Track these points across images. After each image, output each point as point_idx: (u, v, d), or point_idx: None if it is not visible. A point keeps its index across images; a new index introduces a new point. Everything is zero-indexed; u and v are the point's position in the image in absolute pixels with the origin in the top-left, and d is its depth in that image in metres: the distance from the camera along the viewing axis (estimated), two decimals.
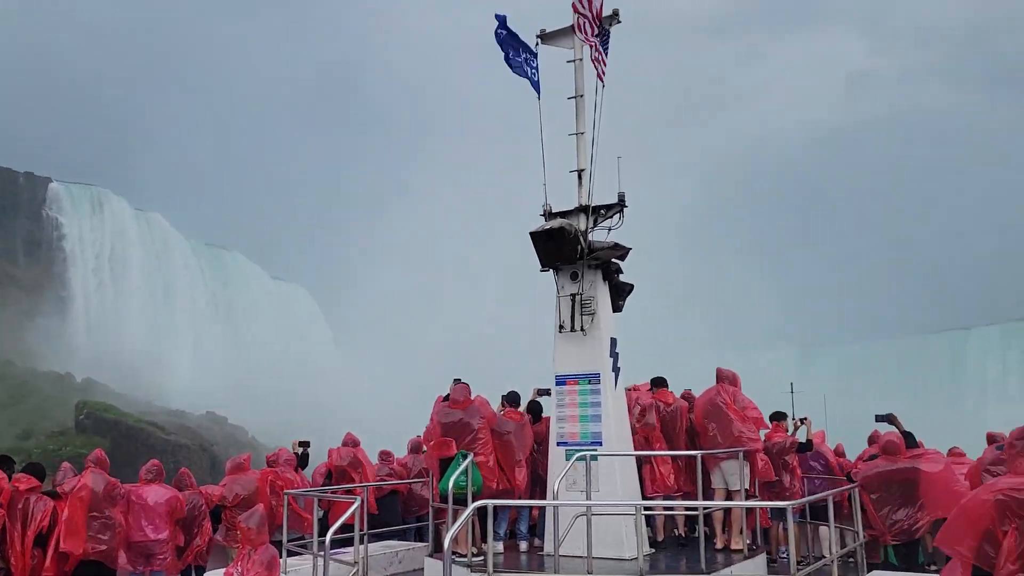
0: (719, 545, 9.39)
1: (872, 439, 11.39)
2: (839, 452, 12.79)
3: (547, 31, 10.00)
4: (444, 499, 8.90)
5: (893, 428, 10.83)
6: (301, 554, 9.84)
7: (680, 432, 10.22)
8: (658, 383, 10.60)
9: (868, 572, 9.26)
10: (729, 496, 9.57)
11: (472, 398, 9.92)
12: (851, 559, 10.29)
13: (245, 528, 7.14)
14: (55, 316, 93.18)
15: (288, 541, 9.64)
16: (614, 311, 9.83)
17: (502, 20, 9.61)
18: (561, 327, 9.59)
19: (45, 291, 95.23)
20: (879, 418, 11.20)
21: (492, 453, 9.73)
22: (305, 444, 12.89)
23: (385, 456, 13.55)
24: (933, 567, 11.38)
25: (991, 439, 10.36)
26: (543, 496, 9.67)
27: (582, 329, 9.45)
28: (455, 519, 7.98)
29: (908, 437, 10.60)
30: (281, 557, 8.64)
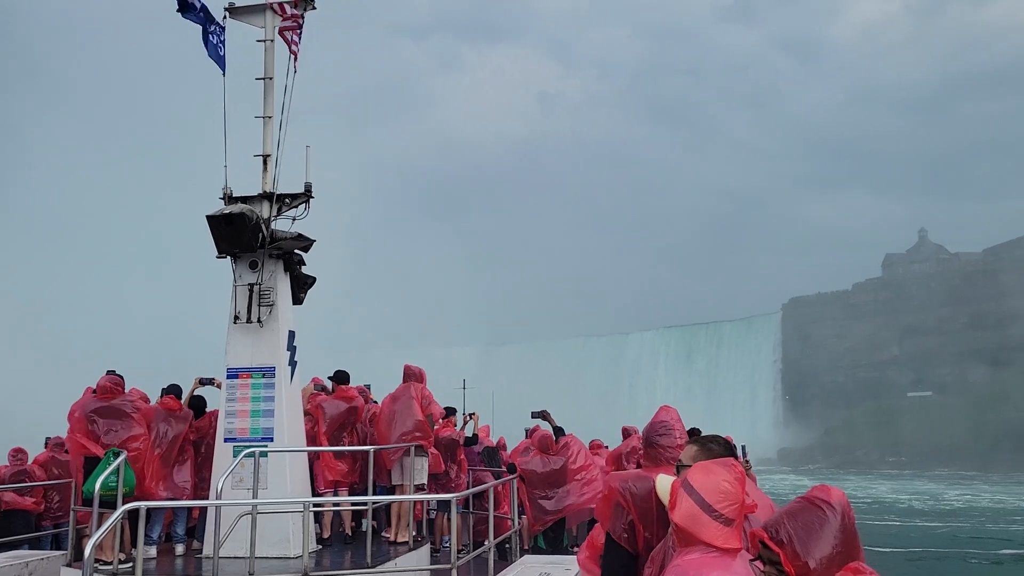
0: (390, 539, 9.56)
1: (528, 433, 12.35)
2: (501, 445, 13.68)
3: (235, 4, 9.49)
4: (89, 502, 8.05)
5: (547, 424, 11.86)
6: None
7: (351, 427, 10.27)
8: (340, 378, 10.51)
9: (521, 556, 10.00)
10: (400, 491, 9.79)
11: (126, 390, 9.10)
12: (507, 544, 11.05)
13: None
14: None
15: None
16: (295, 303, 9.58)
17: None
18: (236, 318, 9.14)
19: None
20: (534, 415, 12.20)
21: (147, 450, 9.01)
22: None
23: (17, 454, 11.97)
24: (576, 548, 12.63)
25: (625, 432, 11.82)
26: (206, 496, 9.14)
27: (259, 320, 9.09)
28: (101, 523, 7.24)
29: (558, 431, 11.69)
30: None
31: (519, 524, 10.55)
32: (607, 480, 3.72)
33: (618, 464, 11.11)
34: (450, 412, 11.64)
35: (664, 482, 3.22)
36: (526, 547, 11.10)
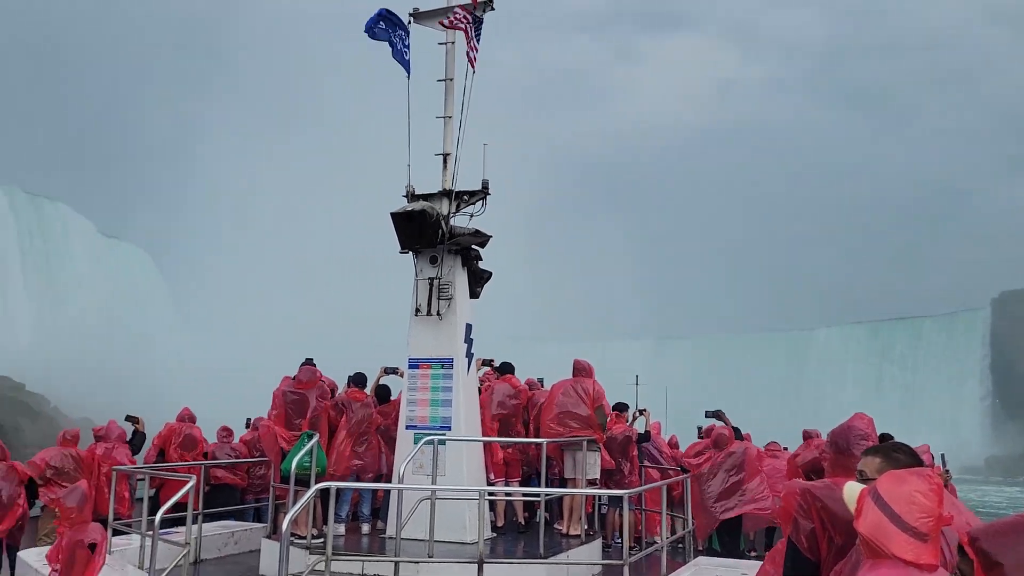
0: (562, 531, 9.67)
1: (703, 432, 12.05)
2: (673, 444, 13.43)
3: (420, 10, 9.87)
4: (285, 480, 8.69)
5: (722, 424, 11.53)
6: (128, 533, 9.36)
7: (518, 420, 10.46)
8: (504, 369, 10.76)
9: (694, 557, 9.80)
10: (572, 484, 9.86)
11: (319, 379, 9.73)
12: (680, 545, 10.86)
13: (64, 507, 6.68)
14: None
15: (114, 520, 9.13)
16: (471, 297, 9.87)
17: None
18: (417, 310, 9.54)
19: None
20: (709, 414, 11.89)
21: (334, 434, 9.62)
22: (134, 419, 12.16)
23: (225, 434, 13.09)
24: (753, 553, 12.21)
25: (806, 436, 11.23)
26: (389, 479, 9.62)
27: (438, 313, 9.44)
28: (296, 500, 7.80)
29: (735, 432, 11.34)
30: (107, 536, 8.18)
31: (692, 524, 10.35)
32: (789, 486, 3.56)
33: (798, 470, 10.62)
34: (622, 408, 11.57)
35: (852, 490, 3.04)
36: (700, 548, 10.87)
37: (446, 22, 9.43)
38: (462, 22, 9.37)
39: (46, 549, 7.69)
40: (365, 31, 9.49)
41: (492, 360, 10.90)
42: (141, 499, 10.92)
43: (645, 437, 11.64)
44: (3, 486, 9.99)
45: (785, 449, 12.83)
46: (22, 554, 9.26)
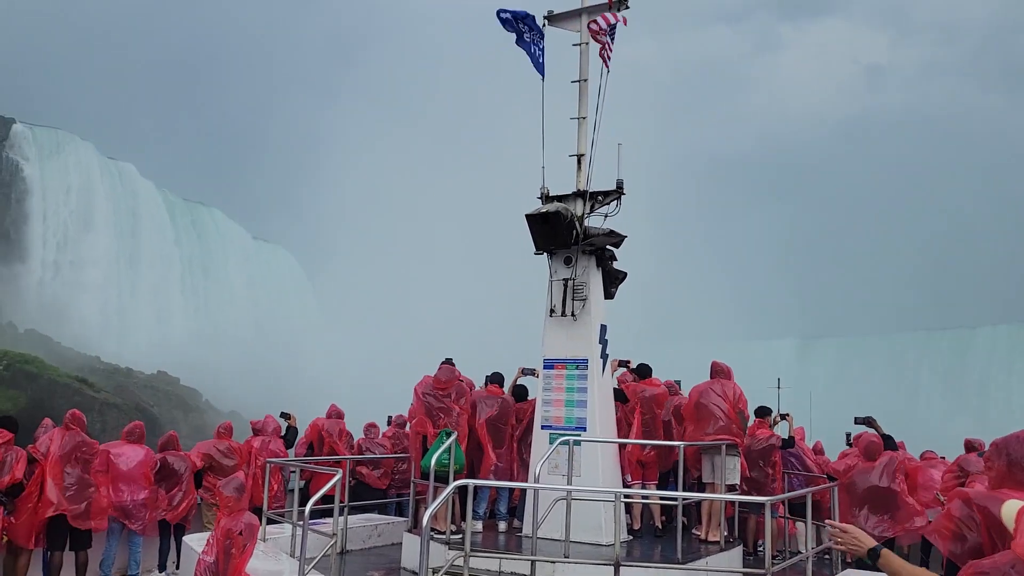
0: (701, 537, 9.46)
1: (852, 440, 11.46)
2: (817, 450, 12.87)
3: (554, 12, 9.91)
4: (425, 476, 8.94)
5: (873, 431, 10.92)
6: (280, 522, 9.88)
7: (659, 422, 10.29)
8: (643, 371, 10.63)
9: (842, 570, 9.34)
10: (710, 489, 9.63)
11: (457, 378, 9.94)
12: (827, 556, 10.39)
13: (224, 495, 7.13)
14: (10, 266, 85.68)
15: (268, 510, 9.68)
16: (606, 298, 9.82)
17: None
18: (552, 311, 9.58)
19: (2, 238, 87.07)
20: (859, 421, 11.29)
21: (471, 433, 9.80)
22: (287, 416, 12.88)
23: (369, 429, 13.60)
24: None
25: (969, 446, 10.46)
26: (525, 478, 9.71)
27: (573, 314, 9.44)
28: (435, 496, 8.00)
29: (887, 440, 10.69)
30: (261, 525, 8.68)
31: None
32: (952, 498, 3.33)
33: (956, 482, 9.92)
34: (764, 412, 11.19)
35: (1011, 508, 2.81)
36: (849, 560, 10.35)
37: (590, 28, 9.46)
38: (602, 33, 9.37)
39: (207, 534, 8.25)
40: (499, 19, 9.61)
41: (628, 361, 10.80)
42: (292, 490, 11.52)
43: (789, 443, 11.20)
44: (182, 475, 10.82)
45: (943, 459, 12.03)
46: (187, 538, 9.98)
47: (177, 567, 10.74)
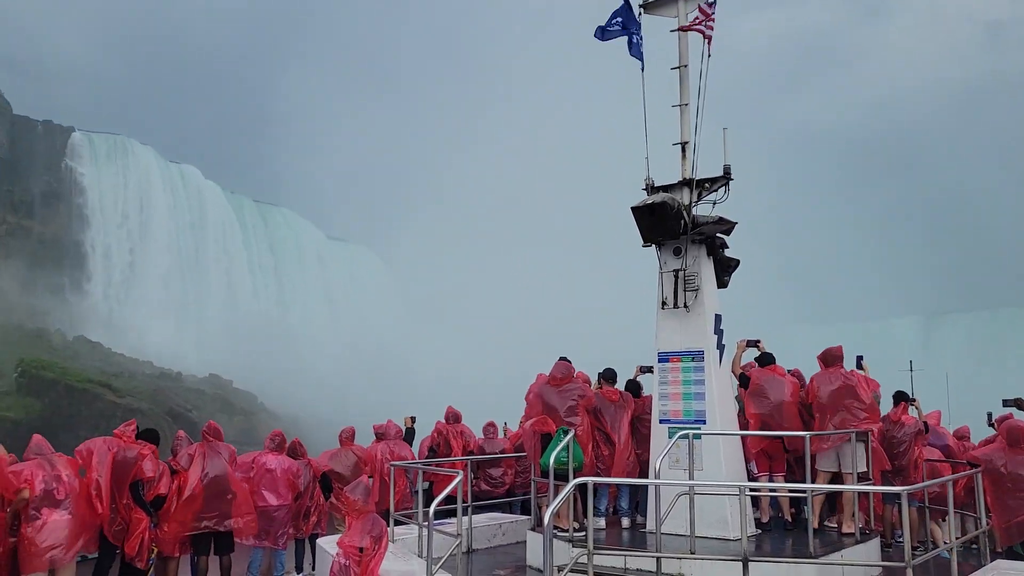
0: (836, 528, 9.12)
1: (994, 422, 10.78)
2: (960, 435, 12.16)
3: (649, 0, 9.77)
4: (545, 474, 8.96)
5: (1022, 413, 10.23)
6: (407, 524, 10.13)
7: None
8: (766, 360, 10.30)
9: (991, 561, 8.80)
10: (840, 479, 9.25)
11: (573, 375, 9.92)
12: (974, 546, 9.82)
13: (351, 499, 7.37)
14: (69, 273, 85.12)
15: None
16: (719, 287, 9.59)
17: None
18: (664, 303, 9.43)
19: (63, 246, 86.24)
20: (1007, 403, 10.61)
21: (589, 431, 9.75)
22: (410, 419, 13.24)
23: (488, 428, 13.74)
24: None
25: None
26: (645, 474, 9.60)
27: (685, 306, 9.27)
28: (556, 494, 8.01)
29: None
30: (389, 527, 8.91)
31: (987, 524, 9.29)
32: None
33: None
34: (902, 397, 10.64)
35: None
36: (999, 550, 9.73)
37: (686, 23, 9.31)
38: (700, 26, 9.20)
39: (337, 536, 8.54)
40: (596, 36, 9.57)
41: (759, 341, 10.31)
42: (416, 492, 11.81)
43: (924, 429, 10.65)
44: (308, 483, 11.22)
45: None
46: (320, 541, 10.37)
47: (313, 568, 11.17)
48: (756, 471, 9.76)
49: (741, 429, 9.61)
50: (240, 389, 76.70)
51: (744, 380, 9.89)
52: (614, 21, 9.58)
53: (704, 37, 9.26)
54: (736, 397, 9.96)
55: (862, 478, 9.13)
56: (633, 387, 10.49)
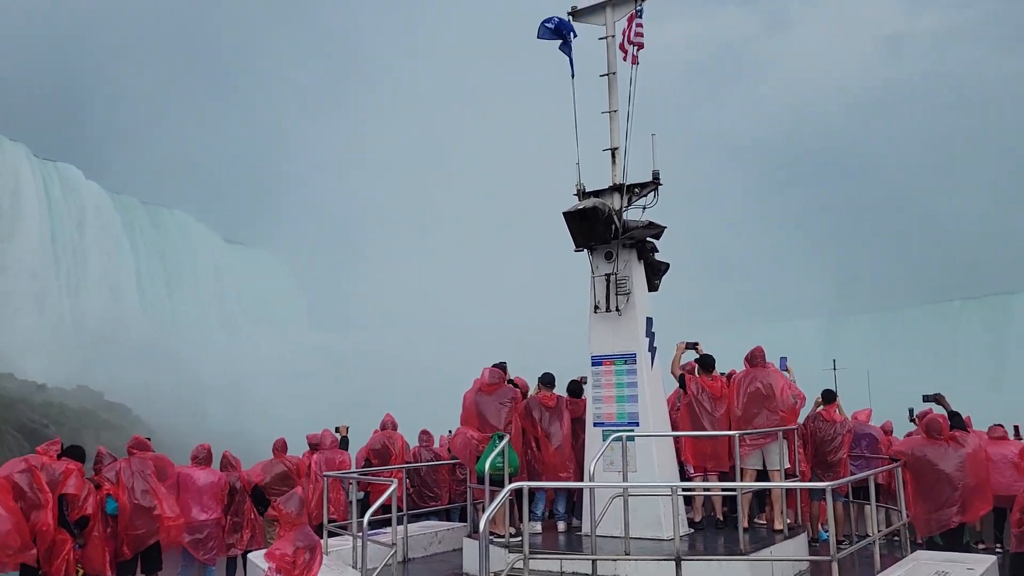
0: (766, 525, 9.31)
1: (916, 417, 11.19)
2: (887, 429, 12.59)
3: (578, 8, 9.86)
4: (481, 480, 8.94)
5: (941, 409, 10.65)
6: (341, 535, 9.97)
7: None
8: (706, 362, 10.36)
9: (912, 552, 9.12)
10: (766, 477, 9.47)
11: (506, 381, 9.93)
12: (896, 538, 10.15)
13: (284, 512, 7.23)
14: None
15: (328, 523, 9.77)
16: (650, 290, 9.73)
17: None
18: (596, 307, 9.52)
19: None
20: (927, 398, 11.02)
21: (522, 435, 9.77)
22: (341, 428, 13.06)
23: (425, 438, 13.63)
24: (981, 545, 11.20)
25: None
26: (581, 477, 9.66)
27: (617, 309, 9.37)
28: (492, 500, 8.00)
29: (954, 418, 10.39)
30: (322, 538, 8.76)
31: (907, 516, 9.63)
32: None
33: None
34: (831, 397, 10.94)
35: None
36: (918, 541, 10.09)
37: (623, 50, 9.42)
38: (628, 34, 9.33)
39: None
40: (542, 34, 9.63)
41: (697, 343, 10.31)
42: (351, 502, 11.64)
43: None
44: (238, 496, 10.95)
45: (1017, 434, 11.67)
46: (251, 556, 10.13)
47: None
48: (692, 471, 9.91)
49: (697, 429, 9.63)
50: (112, 402, 70.09)
51: (682, 381, 10.03)
52: (548, 23, 9.65)
53: (628, 47, 9.36)
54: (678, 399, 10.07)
55: (789, 476, 9.36)
56: (575, 389, 10.52)
